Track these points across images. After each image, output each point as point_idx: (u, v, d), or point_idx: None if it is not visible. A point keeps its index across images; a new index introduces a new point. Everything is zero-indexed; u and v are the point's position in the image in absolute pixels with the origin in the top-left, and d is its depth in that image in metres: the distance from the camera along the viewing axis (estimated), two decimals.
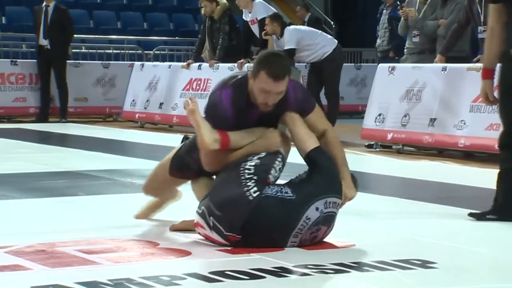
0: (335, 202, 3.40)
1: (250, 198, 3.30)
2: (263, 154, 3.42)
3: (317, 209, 3.34)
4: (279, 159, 3.44)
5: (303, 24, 9.46)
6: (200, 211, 3.39)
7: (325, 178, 3.41)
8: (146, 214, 3.96)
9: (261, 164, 3.38)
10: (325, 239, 3.49)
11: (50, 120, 11.22)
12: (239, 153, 3.45)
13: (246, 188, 3.31)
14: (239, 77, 3.52)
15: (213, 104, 3.48)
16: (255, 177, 3.34)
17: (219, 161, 3.46)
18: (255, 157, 3.40)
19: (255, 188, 3.31)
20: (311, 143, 3.47)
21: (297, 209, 3.32)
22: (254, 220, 3.30)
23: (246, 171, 3.35)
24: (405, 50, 8.73)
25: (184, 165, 3.60)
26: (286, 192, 3.35)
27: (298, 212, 3.32)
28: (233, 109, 3.44)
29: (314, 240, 3.42)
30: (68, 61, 11.48)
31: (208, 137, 3.40)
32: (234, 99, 3.45)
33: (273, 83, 3.41)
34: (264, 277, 2.95)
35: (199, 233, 3.43)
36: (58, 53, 11.00)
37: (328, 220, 3.40)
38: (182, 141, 3.78)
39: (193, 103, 3.47)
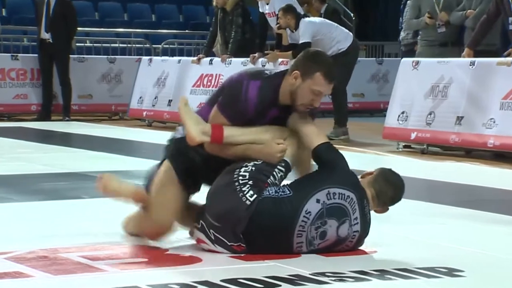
0: (343, 194, 3.35)
1: (248, 202, 3.31)
2: (260, 161, 3.41)
3: (317, 201, 3.32)
4: (280, 167, 3.42)
5: (319, 16, 9.44)
6: (200, 226, 3.41)
7: (329, 171, 3.38)
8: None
9: (257, 170, 3.37)
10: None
11: (52, 118, 11.27)
12: (238, 150, 3.41)
13: (241, 194, 3.32)
14: (270, 73, 3.50)
15: (236, 93, 3.43)
16: (250, 182, 3.34)
17: (220, 150, 3.43)
18: (251, 163, 3.39)
19: (251, 192, 3.32)
20: (319, 139, 3.45)
21: (295, 204, 3.32)
22: (256, 224, 3.31)
23: (240, 177, 3.35)
24: (419, 41, 8.65)
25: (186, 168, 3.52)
26: (284, 191, 3.36)
27: (296, 207, 3.31)
28: (257, 104, 3.42)
29: (326, 238, 3.35)
30: (71, 55, 11.53)
31: (194, 129, 3.39)
32: (262, 94, 3.43)
33: (327, 85, 3.46)
34: (279, 285, 2.95)
35: (203, 248, 3.44)
36: (61, 47, 11.04)
37: (336, 213, 3.33)
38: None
39: (183, 99, 3.48)
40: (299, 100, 3.45)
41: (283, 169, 3.42)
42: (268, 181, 3.38)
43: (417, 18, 8.57)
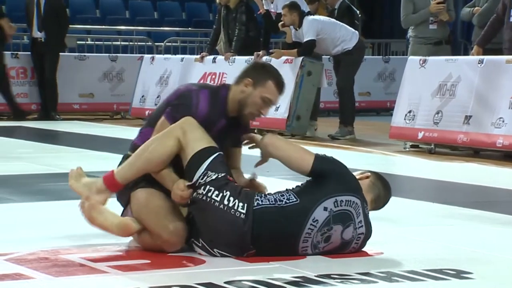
0: (349, 200, 3.37)
1: (242, 216, 3.29)
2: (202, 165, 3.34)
3: (325, 209, 3.34)
4: (215, 155, 3.37)
5: (332, 12, 9.44)
6: (200, 245, 3.40)
7: (333, 179, 3.39)
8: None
9: (207, 172, 3.32)
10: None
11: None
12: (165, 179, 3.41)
13: (232, 211, 3.29)
14: (212, 85, 3.60)
15: (186, 102, 3.49)
16: (225, 192, 3.30)
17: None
18: (202, 180, 3.33)
19: (240, 204, 3.30)
20: (307, 157, 3.40)
21: (302, 213, 3.32)
22: (261, 234, 3.30)
23: (209, 194, 3.31)
24: (411, 39, 8.59)
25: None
26: (289, 199, 3.35)
27: (303, 216, 3.32)
28: (208, 113, 3.50)
29: (330, 241, 3.37)
30: (72, 53, 11.50)
31: (93, 198, 3.43)
32: (212, 103, 3.52)
33: (278, 94, 3.57)
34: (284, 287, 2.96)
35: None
36: (53, 46, 11.01)
37: (341, 219, 3.36)
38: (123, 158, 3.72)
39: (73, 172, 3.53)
40: (248, 108, 3.53)
41: (215, 153, 3.38)
42: (228, 176, 3.36)
43: (414, 13, 8.51)
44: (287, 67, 8.94)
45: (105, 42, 13.33)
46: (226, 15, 9.91)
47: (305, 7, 9.14)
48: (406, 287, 3.01)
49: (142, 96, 11.08)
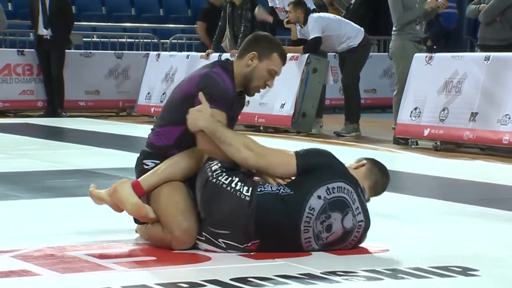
0: (340, 187, 3.38)
1: (247, 198, 3.33)
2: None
3: (319, 197, 3.36)
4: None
5: (348, 7, 9.42)
6: (203, 238, 3.41)
7: (321, 170, 3.41)
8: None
9: (222, 164, 3.39)
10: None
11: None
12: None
13: (238, 193, 3.34)
14: (217, 60, 3.65)
15: (215, 83, 3.48)
16: (235, 178, 3.35)
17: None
18: (212, 163, 3.41)
19: (246, 188, 3.35)
20: (289, 162, 3.42)
21: (297, 203, 3.34)
22: (264, 220, 3.33)
23: (219, 177, 3.36)
24: (397, 35, 8.50)
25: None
26: (284, 189, 3.38)
27: (299, 205, 3.34)
28: (233, 85, 3.54)
29: (332, 231, 3.37)
30: (78, 50, 11.50)
31: (131, 204, 3.48)
32: (228, 75, 3.54)
33: (282, 65, 3.62)
34: (290, 284, 2.96)
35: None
36: (59, 43, 11.05)
37: (338, 206, 3.37)
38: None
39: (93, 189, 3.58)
40: (255, 81, 3.57)
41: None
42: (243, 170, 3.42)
43: (405, 10, 8.41)
44: (292, 64, 8.94)
45: (111, 39, 13.34)
46: (231, 12, 9.91)
47: (311, 4, 9.14)
48: (412, 284, 3.01)
49: (148, 93, 11.09)
